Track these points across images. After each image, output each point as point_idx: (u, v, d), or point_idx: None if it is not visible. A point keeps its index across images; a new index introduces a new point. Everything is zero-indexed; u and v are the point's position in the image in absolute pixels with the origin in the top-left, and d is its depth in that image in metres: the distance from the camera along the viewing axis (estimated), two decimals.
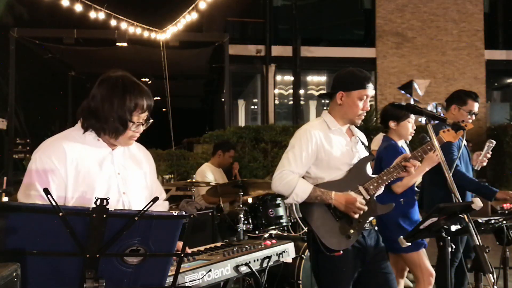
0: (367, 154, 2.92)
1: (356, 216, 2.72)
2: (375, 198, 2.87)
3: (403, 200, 3.62)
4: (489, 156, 4.09)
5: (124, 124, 2.07)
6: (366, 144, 3.02)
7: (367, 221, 2.80)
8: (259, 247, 2.74)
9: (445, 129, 3.23)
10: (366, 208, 2.73)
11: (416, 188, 3.85)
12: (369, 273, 2.81)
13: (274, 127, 11.28)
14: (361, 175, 2.82)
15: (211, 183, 5.36)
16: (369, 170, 2.87)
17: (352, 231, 2.72)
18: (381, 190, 2.90)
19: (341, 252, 2.69)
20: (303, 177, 2.83)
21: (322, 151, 2.78)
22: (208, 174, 5.84)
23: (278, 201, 4.93)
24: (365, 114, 2.87)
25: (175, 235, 1.71)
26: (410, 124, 3.76)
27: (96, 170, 2.08)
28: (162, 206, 2.40)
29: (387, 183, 2.85)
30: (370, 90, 2.81)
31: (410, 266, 3.70)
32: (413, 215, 3.69)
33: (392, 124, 3.76)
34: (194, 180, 5.51)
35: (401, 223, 3.58)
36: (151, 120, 2.17)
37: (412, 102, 12.49)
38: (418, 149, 2.99)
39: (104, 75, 2.15)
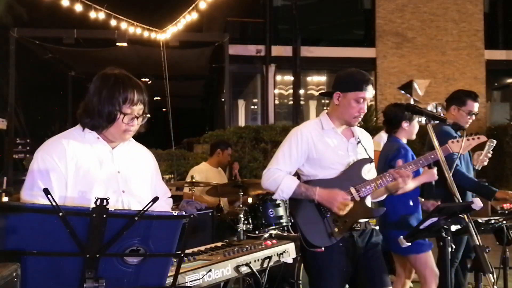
0: (366, 156, 2.90)
1: (341, 212, 2.69)
2: (369, 200, 2.85)
3: (411, 201, 3.63)
4: (490, 155, 4.09)
5: (112, 114, 2.07)
6: (371, 146, 2.99)
7: (358, 222, 2.78)
8: (260, 247, 2.74)
9: (455, 140, 3.18)
10: (351, 205, 2.71)
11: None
12: (363, 271, 2.79)
13: (274, 127, 11.25)
14: (355, 177, 2.81)
15: (211, 183, 5.34)
16: (364, 172, 2.85)
17: (336, 229, 2.72)
18: (380, 194, 2.90)
19: (323, 248, 2.70)
20: (296, 174, 2.88)
21: (314, 151, 2.81)
22: (201, 173, 5.71)
23: (278, 201, 4.93)
24: (361, 116, 2.86)
25: (175, 235, 1.71)
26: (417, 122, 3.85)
27: (96, 168, 2.08)
28: (166, 203, 2.39)
29: (380, 187, 2.81)
30: (368, 93, 2.79)
31: (418, 267, 3.65)
32: (421, 215, 3.68)
33: (405, 124, 3.80)
34: (194, 180, 5.47)
35: (412, 224, 3.55)
36: (148, 115, 2.17)
37: (412, 102, 12.48)
38: (420, 157, 2.97)
39: (100, 72, 2.17)
